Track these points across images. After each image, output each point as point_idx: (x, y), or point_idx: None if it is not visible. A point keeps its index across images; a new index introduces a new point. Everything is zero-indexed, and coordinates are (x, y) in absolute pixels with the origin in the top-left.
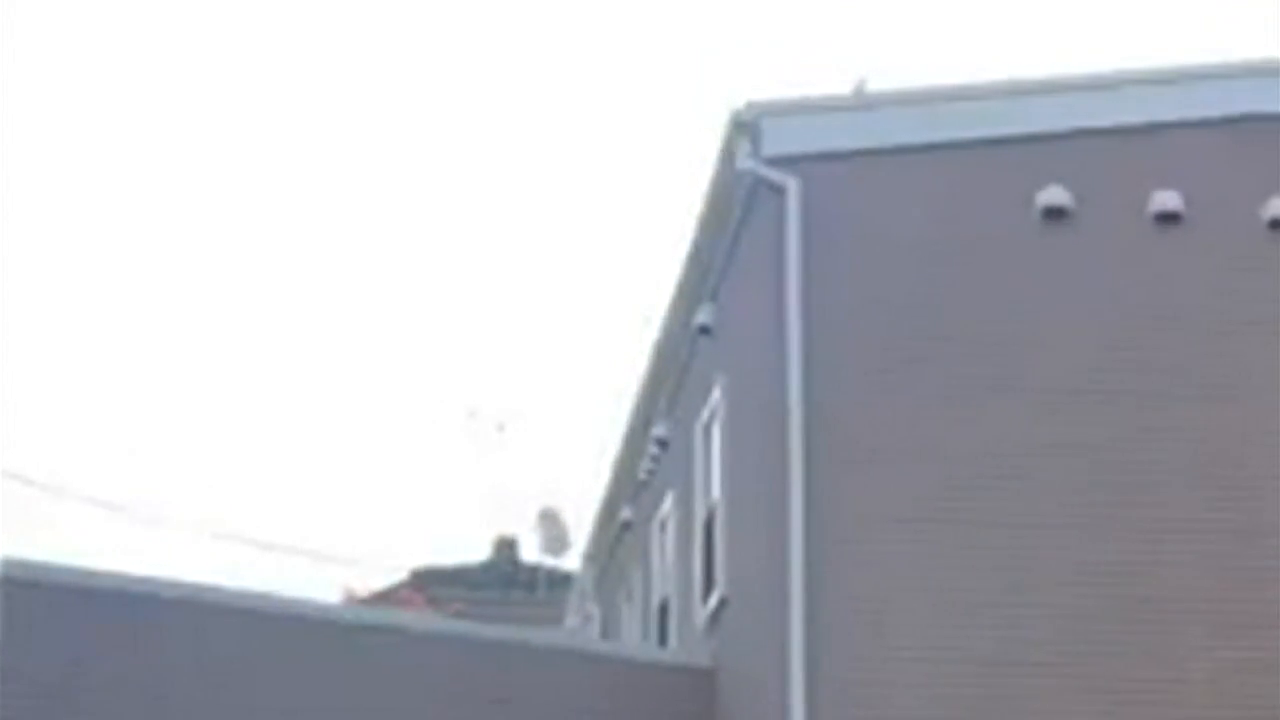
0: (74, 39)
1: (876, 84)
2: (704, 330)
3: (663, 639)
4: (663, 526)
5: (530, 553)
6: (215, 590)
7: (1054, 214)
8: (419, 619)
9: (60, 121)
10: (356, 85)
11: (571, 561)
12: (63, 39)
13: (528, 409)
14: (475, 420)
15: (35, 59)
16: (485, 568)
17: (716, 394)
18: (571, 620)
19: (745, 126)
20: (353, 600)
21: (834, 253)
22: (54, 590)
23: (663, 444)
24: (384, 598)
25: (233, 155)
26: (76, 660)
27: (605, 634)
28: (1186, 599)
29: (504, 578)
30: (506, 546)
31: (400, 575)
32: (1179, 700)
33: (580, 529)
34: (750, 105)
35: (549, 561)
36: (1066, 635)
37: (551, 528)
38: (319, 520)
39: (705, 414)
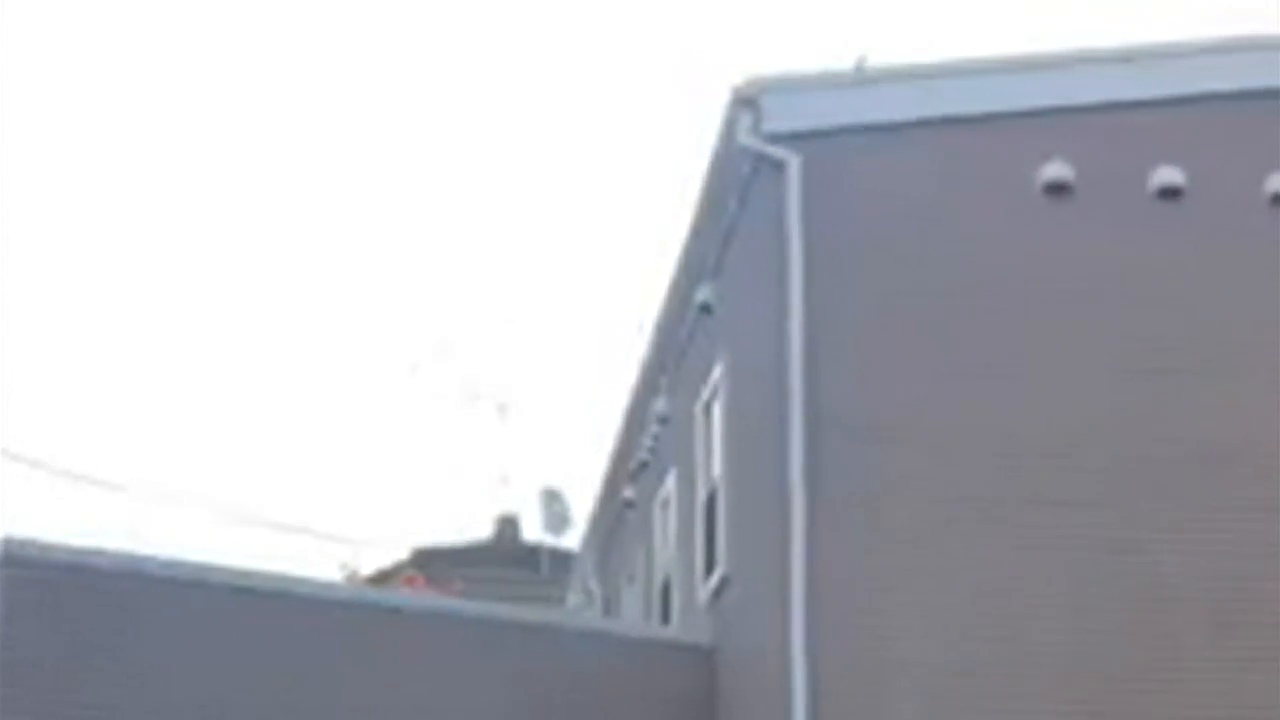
0: (74, 39)
1: (878, 59)
2: (705, 308)
3: (665, 618)
4: (664, 505)
5: (532, 532)
6: (220, 570)
7: (1056, 189)
8: (421, 598)
9: (59, 117)
10: (349, 63)
11: (573, 540)
12: (63, 39)
13: (530, 388)
14: (477, 399)
15: (35, 59)
16: (487, 547)
17: (717, 372)
18: (573, 599)
19: (746, 103)
20: (354, 579)
21: (835, 229)
22: (53, 569)
23: (664, 422)
24: (385, 577)
25: (225, 136)
26: (76, 639)
27: (607, 613)
28: (1188, 579)
29: (506, 557)
30: (508, 525)
31: (401, 554)
32: (1181, 683)
33: (582, 508)
34: (751, 81)
35: (551, 540)
36: (1068, 614)
37: (553, 507)
38: (320, 499)
39: (706, 393)
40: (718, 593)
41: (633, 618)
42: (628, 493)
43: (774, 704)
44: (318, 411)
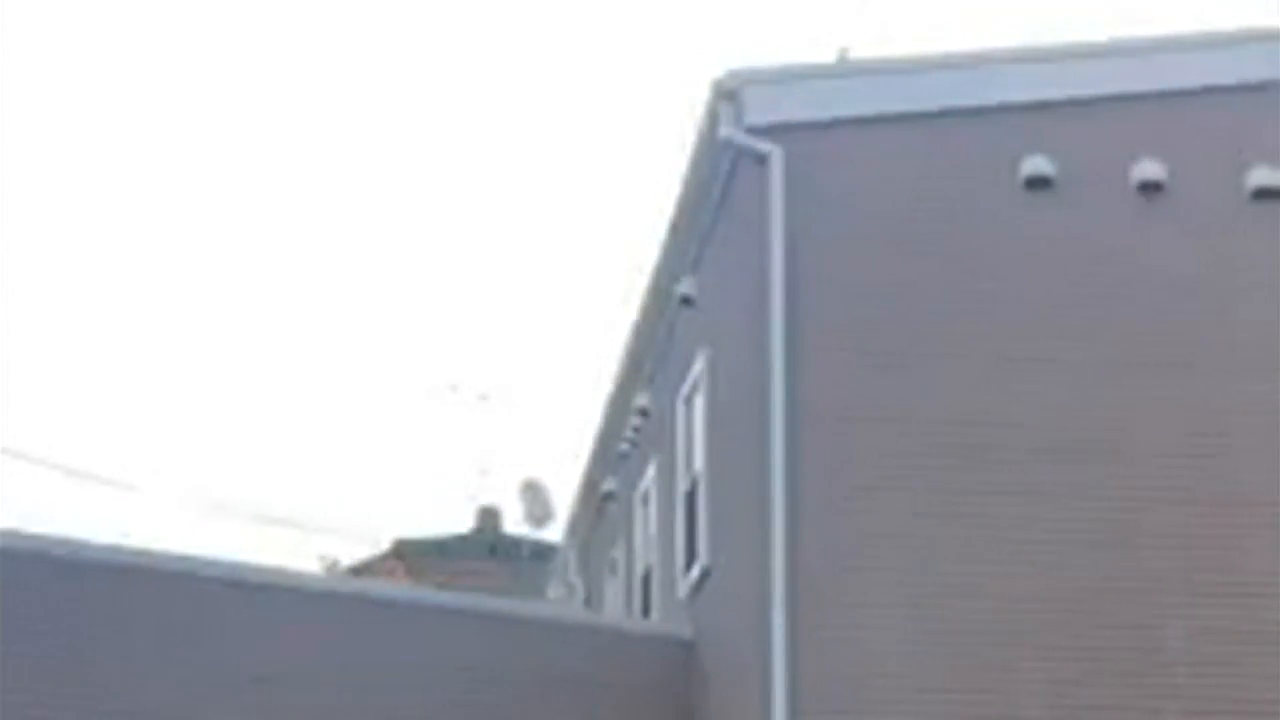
0: (74, 39)
1: (860, 52)
2: (686, 301)
3: (645, 610)
4: (645, 498)
5: (513, 524)
6: (209, 563)
7: (1037, 183)
8: (401, 590)
9: (59, 117)
10: (337, 58)
11: (554, 533)
12: (63, 39)
13: (510, 379)
14: (458, 391)
15: (35, 59)
16: (468, 539)
17: (699, 365)
18: (554, 591)
19: (728, 95)
20: (335, 571)
21: (817, 222)
22: (47, 563)
23: (645, 415)
24: (366, 568)
25: (214, 130)
26: (70, 633)
27: (588, 605)
28: (1165, 568)
29: (486, 549)
30: (489, 518)
31: (382, 546)
32: (1156, 669)
33: (563, 500)
34: (733, 74)
35: (532, 533)
36: (1045, 602)
37: (534, 499)
38: (300, 490)
39: (687, 385)
40: (698, 585)
41: (614, 610)
42: (609, 485)
43: (754, 697)
44: (297, 403)
